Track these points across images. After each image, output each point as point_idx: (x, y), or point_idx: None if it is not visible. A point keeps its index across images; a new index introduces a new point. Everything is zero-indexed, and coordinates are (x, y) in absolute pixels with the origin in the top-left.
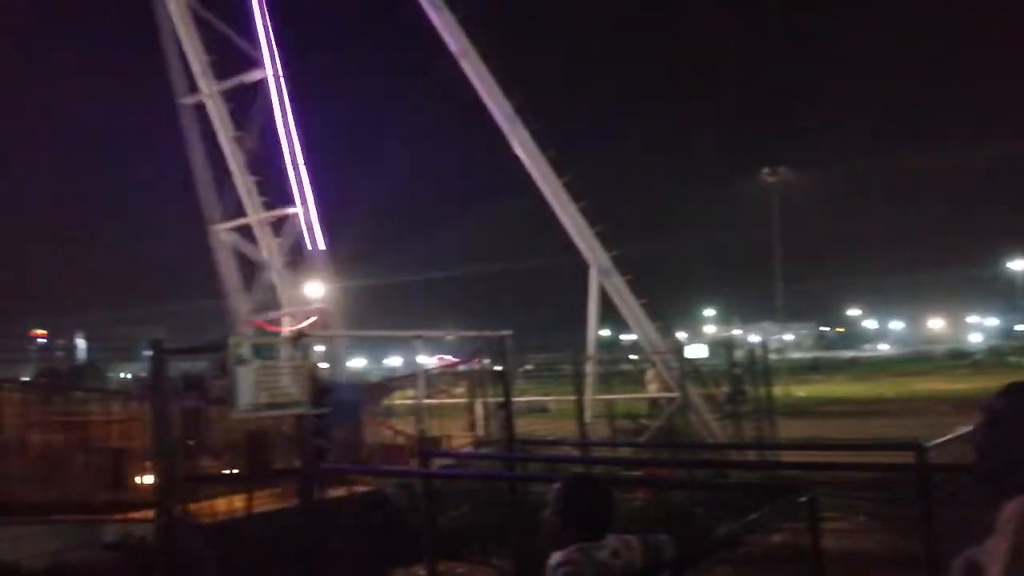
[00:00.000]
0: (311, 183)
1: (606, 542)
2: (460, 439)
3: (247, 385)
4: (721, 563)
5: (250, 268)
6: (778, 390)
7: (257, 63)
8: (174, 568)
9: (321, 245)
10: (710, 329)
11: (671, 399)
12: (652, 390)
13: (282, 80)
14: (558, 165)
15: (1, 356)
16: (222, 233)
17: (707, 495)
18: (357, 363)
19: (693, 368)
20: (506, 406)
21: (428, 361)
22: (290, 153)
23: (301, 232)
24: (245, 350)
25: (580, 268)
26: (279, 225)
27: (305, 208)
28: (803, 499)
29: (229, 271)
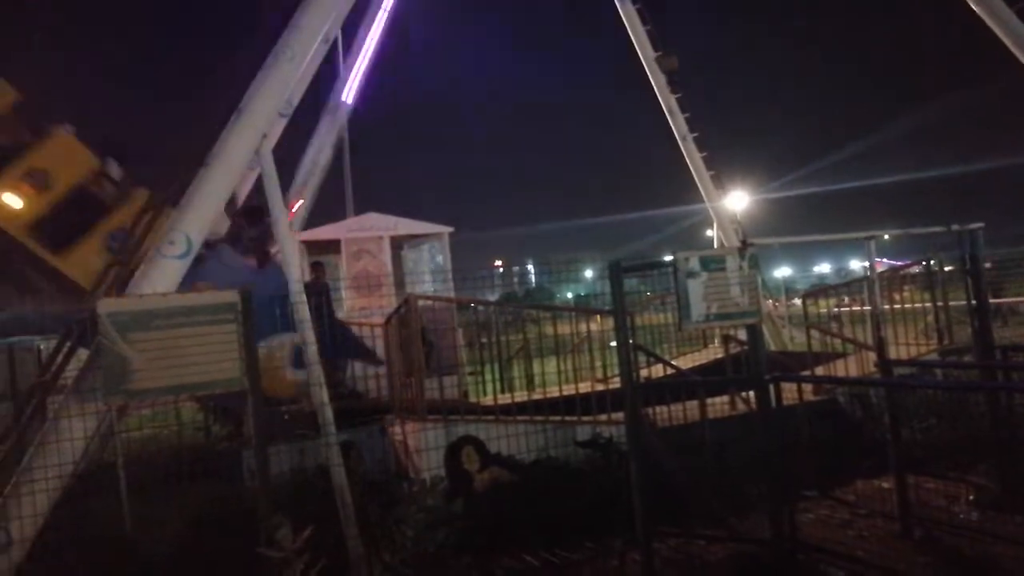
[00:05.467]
0: None
1: None
2: (913, 347)
3: (698, 297)
4: None
5: None
6: None
7: None
8: (641, 462)
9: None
10: None
11: None
12: None
13: None
14: None
15: (473, 283)
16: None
17: None
18: (783, 271)
19: None
20: (980, 309)
21: (863, 266)
22: None
23: None
24: (694, 263)
25: None
26: None
27: None
28: None
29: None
